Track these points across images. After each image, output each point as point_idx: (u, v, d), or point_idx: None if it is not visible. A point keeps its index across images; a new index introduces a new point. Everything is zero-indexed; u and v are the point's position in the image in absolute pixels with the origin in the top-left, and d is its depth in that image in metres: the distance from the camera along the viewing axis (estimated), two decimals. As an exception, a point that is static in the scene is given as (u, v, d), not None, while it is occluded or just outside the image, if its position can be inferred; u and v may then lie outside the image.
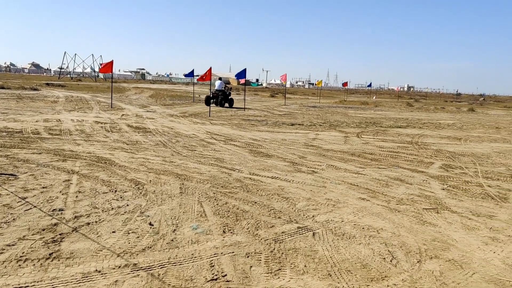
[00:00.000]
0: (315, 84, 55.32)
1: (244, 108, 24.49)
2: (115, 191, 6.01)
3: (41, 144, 9.47)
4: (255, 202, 5.77)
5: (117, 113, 17.95)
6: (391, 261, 4.06)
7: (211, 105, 21.67)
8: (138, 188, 6.24)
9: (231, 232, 4.61)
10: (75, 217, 4.86)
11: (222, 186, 6.55)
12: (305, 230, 4.78)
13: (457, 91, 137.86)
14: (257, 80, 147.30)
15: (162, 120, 16.28)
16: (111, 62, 20.93)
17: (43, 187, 5.98)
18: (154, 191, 6.12)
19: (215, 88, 25.25)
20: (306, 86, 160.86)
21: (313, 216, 5.31)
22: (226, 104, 25.24)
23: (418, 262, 4.07)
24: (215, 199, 5.82)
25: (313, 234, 4.69)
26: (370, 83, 67.24)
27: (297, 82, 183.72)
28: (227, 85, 25.71)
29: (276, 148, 10.59)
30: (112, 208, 5.23)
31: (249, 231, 4.68)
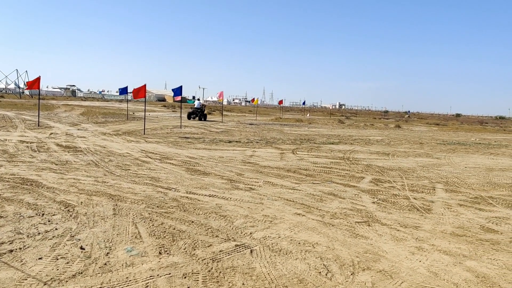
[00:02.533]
0: (252, 102, 56.10)
1: (181, 125, 24.24)
2: (42, 214, 5.67)
3: (-43, 166, 8.73)
4: (192, 222, 5.69)
5: (45, 132, 17.01)
6: (326, 274, 4.18)
7: (191, 119, 31.50)
8: (68, 210, 5.93)
9: (167, 253, 4.51)
10: (-4, 244, 4.51)
11: (157, 206, 6.40)
12: (243, 248, 4.79)
13: (385, 109, 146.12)
14: (194, 97, 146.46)
15: (94, 138, 15.66)
16: (38, 78, 19.89)
17: (-41, 213, 5.50)
18: (86, 213, 5.84)
19: (195, 106, 33.02)
20: (243, 104, 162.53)
21: (250, 233, 5.34)
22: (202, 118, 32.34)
23: (351, 274, 4.21)
24: (151, 220, 5.68)
25: (251, 251, 4.71)
26: (304, 101, 69.40)
27: (233, 100, 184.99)
28: (203, 104, 34.48)
29: (214, 166, 10.56)
30: (39, 233, 4.92)
31: (186, 251, 4.60)
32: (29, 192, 6.82)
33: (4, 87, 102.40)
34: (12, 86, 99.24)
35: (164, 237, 5.03)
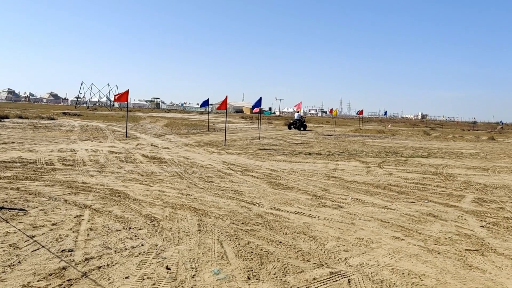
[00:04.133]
0: (330, 113, 54.95)
1: (259, 137, 24.18)
2: (129, 228, 5.61)
3: (54, 175, 9.18)
4: (280, 242, 5.29)
5: (132, 143, 17.75)
6: (442, 316, 3.54)
7: (291, 128, 35.08)
8: (154, 225, 5.83)
9: (256, 279, 4.14)
10: (86, 259, 4.45)
11: (242, 223, 6.10)
12: (339, 276, 4.28)
13: (473, 120, 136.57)
14: (270, 108, 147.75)
15: (178, 149, 15.99)
16: (127, 92, 20.94)
17: (53, 224, 5.61)
18: (171, 228, 5.69)
19: (295, 117, 36.43)
20: (319, 114, 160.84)
21: (345, 258, 4.81)
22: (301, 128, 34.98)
23: (473, 317, 3.53)
24: (236, 238, 5.37)
25: (349, 281, 4.19)
26: (386, 112, 66.76)
27: (309, 111, 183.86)
28: (302, 116, 37.15)
29: (296, 180, 10.13)
30: (126, 249, 4.81)
31: (276, 277, 4.20)
32: (117, 204, 6.88)
33: (97, 100, 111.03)
34: (104, 99, 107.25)
35: (252, 258, 4.68)
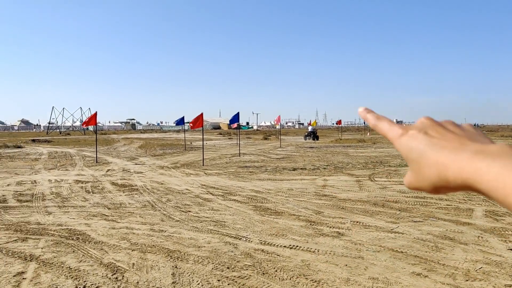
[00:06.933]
0: (308, 124, 54.29)
1: (239, 153, 23.06)
2: (83, 287, 4.39)
3: (3, 216, 7.84)
4: (277, 293, 4.17)
5: (102, 169, 16.37)
6: None
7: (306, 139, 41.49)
8: (116, 278, 4.63)
9: None
10: None
11: (228, 267, 4.96)
12: None
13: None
14: (247, 123, 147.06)
15: (152, 173, 14.71)
16: (95, 114, 19.61)
17: (-17, 289, 4.35)
18: (137, 282, 4.51)
19: (309, 130, 43.10)
20: (296, 126, 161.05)
21: (363, 313, 3.73)
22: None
23: None
24: (221, 292, 4.23)
25: None
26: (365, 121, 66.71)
27: (286, 123, 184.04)
28: (315, 128, 44.07)
29: (285, 202, 9.04)
30: (74, 322, 3.61)
31: None
32: (73, 251, 5.64)
33: (71, 125, 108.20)
34: (77, 123, 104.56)
35: (243, 324, 3.54)
